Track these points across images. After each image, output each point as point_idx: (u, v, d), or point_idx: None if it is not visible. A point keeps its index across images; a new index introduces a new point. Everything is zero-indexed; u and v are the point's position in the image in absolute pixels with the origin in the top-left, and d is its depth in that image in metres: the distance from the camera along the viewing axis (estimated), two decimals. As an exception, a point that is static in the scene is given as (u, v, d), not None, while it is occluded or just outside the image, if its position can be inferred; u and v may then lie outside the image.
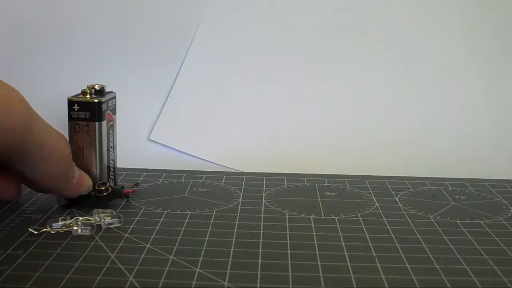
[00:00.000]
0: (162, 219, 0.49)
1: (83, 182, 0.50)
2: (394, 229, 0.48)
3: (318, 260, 0.42)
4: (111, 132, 0.55)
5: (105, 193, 0.52)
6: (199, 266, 0.41)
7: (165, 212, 0.51)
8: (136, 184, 0.57)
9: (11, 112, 0.42)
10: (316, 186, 0.59)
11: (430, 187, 0.59)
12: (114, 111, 0.56)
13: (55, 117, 0.64)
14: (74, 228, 0.45)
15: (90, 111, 0.52)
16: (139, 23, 0.67)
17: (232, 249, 0.43)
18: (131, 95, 0.65)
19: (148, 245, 0.44)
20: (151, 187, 0.58)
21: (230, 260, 0.42)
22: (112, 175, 0.55)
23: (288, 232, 0.47)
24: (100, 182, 0.52)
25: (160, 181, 0.60)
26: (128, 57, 0.67)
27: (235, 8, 0.67)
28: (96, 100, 0.52)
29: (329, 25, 0.67)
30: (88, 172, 0.52)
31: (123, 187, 0.54)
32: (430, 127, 0.67)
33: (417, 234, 0.47)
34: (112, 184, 0.53)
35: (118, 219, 0.47)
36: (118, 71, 0.67)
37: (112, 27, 0.67)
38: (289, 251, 0.43)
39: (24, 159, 0.45)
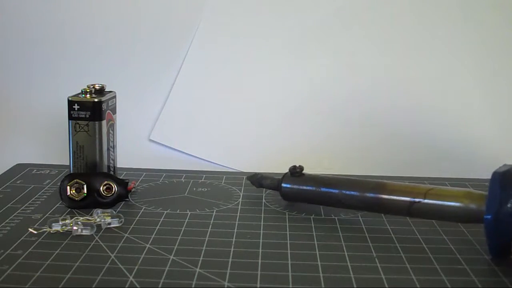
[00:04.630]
0: (162, 219, 0.49)
1: None
2: (394, 229, 0.48)
3: (318, 260, 0.42)
4: (111, 131, 0.55)
5: (110, 197, 0.52)
6: (199, 266, 0.41)
7: (165, 212, 0.51)
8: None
9: None
10: (316, 186, 0.59)
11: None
12: (114, 110, 0.56)
13: (55, 117, 0.65)
14: (74, 228, 0.45)
15: (90, 111, 0.52)
16: (139, 23, 0.67)
17: (232, 249, 0.43)
18: (131, 95, 0.65)
19: (148, 245, 0.44)
20: (151, 187, 0.58)
21: (230, 260, 0.42)
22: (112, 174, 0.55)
23: (288, 232, 0.47)
24: (105, 185, 0.52)
25: (160, 181, 0.60)
26: (128, 57, 0.67)
27: (235, 8, 0.67)
28: (96, 100, 0.52)
29: (329, 25, 0.67)
30: (89, 171, 0.52)
31: (127, 182, 0.53)
32: (430, 127, 0.67)
33: (417, 234, 0.47)
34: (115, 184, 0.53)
35: (118, 219, 0.47)
36: (118, 71, 0.67)
37: (112, 27, 0.67)
38: (289, 251, 0.43)
39: None
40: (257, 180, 0.56)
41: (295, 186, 0.52)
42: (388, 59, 0.67)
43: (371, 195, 0.48)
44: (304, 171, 0.52)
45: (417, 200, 0.46)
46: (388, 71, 0.67)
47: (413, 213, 0.46)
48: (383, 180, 0.51)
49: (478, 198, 0.43)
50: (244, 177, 0.61)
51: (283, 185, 0.53)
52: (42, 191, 0.56)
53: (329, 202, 0.50)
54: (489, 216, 0.41)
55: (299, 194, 0.52)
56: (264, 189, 0.57)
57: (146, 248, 0.43)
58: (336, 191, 0.50)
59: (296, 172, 0.52)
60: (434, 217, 0.47)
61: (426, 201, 0.45)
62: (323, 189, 0.50)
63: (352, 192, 0.49)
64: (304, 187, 0.52)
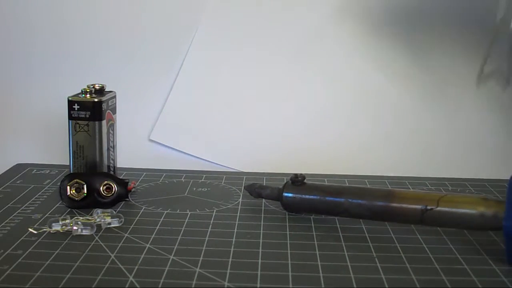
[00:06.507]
0: (162, 219, 0.49)
1: None
2: (394, 229, 0.48)
3: (318, 260, 0.42)
4: (111, 131, 0.55)
5: (110, 197, 0.52)
6: (199, 266, 0.41)
7: (165, 212, 0.51)
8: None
9: None
10: (316, 186, 0.59)
11: (430, 187, 0.59)
12: (114, 110, 0.56)
13: (55, 117, 0.65)
14: (74, 228, 0.45)
15: (90, 111, 0.52)
16: (139, 23, 0.67)
17: (232, 249, 0.43)
18: (131, 95, 0.65)
19: (148, 245, 0.44)
20: (151, 187, 0.58)
21: (230, 260, 0.42)
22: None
23: (288, 232, 0.47)
24: (105, 185, 0.52)
25: (160, 181, 0.60)
26: (128, 57, 0.67)
27: (235, 8, 0.67)
28: (96, 100, 0.52)
29: (328, 26, 0.67)
30: (89, 171, 0.52)
31: (127, 182, 0.53)
32: (430, 127, 0.67)
33: (417, 234, 0.47)
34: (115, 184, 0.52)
35: (118, 219, 0.47)
36: (118, 71, 0.67)
37: (112, 27, 0.67)
38: (289, 251, 0.43)
39: None
40: (255, 190, 0.53)
41: (297, 196, 0.50)
42: (388, 59, 0.67)
43: (380, 203, 0.46)
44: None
45: (429, 207, 0.44)
46: (388, 71, 0.67)
47: (426, 221, 0.45)
48: (388, 185, 0.51)
49: (494, 205, 0.42)
50: (244, 177, 0.61)
51: (285, 194, 0.50)
52: (42, 191, 0.56)
53: (335, 211, 0.49)
54: (509, 223, 0.40)
55: (302, 204, 0.50)
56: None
57: (146, 248, 0.43)
58: (342, 200, 0.48)
59: (298, 181, 0.50)
60: (447, 225, 0.45)
61: (439, 208, 0.44)
62: (328, 198, 0.48)
63: (360, 201, 0.47)
64: (308, 196, 0.49)
